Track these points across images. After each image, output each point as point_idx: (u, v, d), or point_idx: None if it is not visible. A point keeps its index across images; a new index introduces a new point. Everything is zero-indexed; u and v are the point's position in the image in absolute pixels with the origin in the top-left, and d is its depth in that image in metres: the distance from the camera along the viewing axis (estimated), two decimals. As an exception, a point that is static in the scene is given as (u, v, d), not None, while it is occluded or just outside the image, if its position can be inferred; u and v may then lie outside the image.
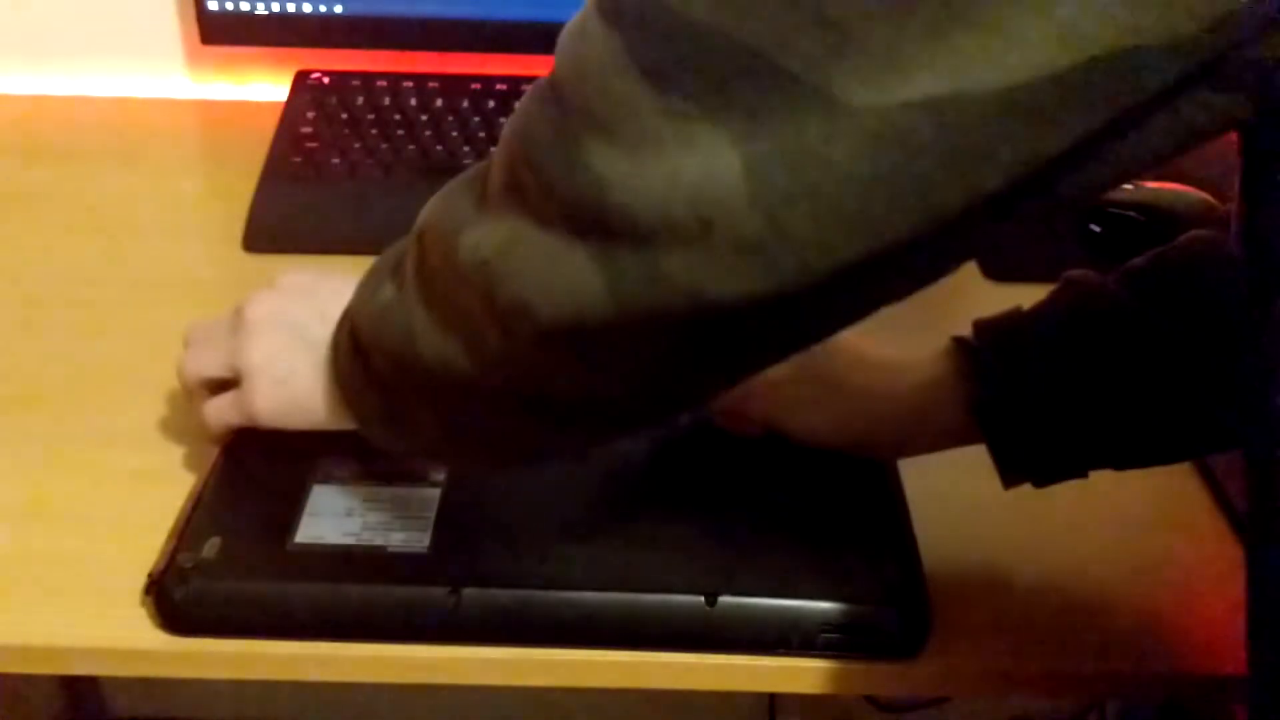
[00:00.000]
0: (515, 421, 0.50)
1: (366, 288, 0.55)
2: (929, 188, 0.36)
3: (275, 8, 1.01)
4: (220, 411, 0.65)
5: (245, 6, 1.00)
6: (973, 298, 0.88)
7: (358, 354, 0.55)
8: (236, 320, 0.63)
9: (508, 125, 0.44)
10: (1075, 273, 0.62)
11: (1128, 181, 0.38)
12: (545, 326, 0.43)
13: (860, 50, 0.35)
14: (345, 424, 0.59)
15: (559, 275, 0.42)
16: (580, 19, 0.40)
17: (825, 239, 0.37)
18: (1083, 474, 0.62)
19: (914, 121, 0.35)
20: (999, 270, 0.90)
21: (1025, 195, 0.38)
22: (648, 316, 0.41)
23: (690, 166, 0.37)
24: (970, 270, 0.91)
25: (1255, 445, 0.43)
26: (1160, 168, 0.39)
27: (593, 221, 0.40)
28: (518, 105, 0.44)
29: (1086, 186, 0.39)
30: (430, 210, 0.50)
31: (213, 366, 0.64)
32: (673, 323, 0.41)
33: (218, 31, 1.02)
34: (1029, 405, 0.60)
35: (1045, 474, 0.62)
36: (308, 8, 1.01)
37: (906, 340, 0.66)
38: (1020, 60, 0.34)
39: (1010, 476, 0.62)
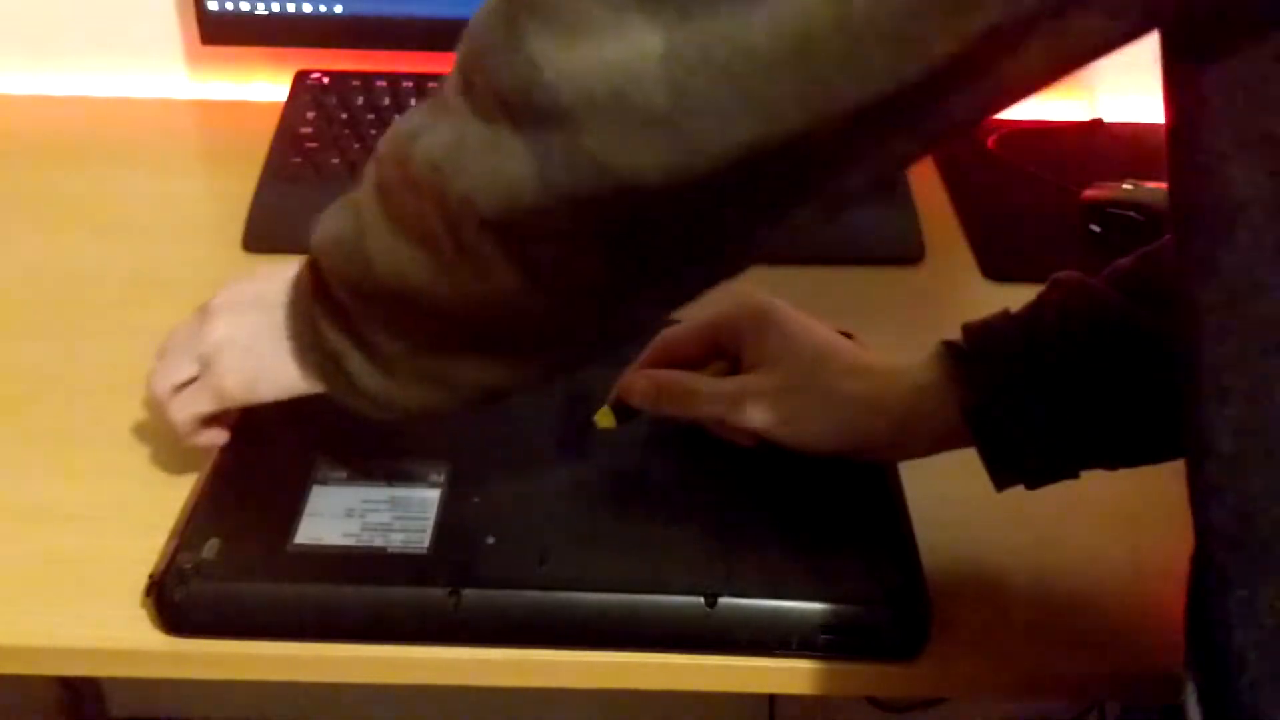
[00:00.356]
0: (460, 341, 0.52)
1: (320, 224, 0.56)
2: (821, 69, 0.38)
3: (275, 8, 1.01)
4: (188, 402, 0.64)
5: (245, 6, 1.01)
6: (973, 298, 0.89)
7: (317, 290, 0.56)
8: (200, 313, 0.64)
9: (462, 37, 0.46)
10: (1063, 274, 0.62)
11: (1017, 103, 0.40)
12: (486, 219, 0.45)
13: None
14: (312, 383, 0.59)
15: (498, 166, 0.44)
16: None
17: (723, 111, 0.39)
18: (1074, 475, 0.62)
19: (815, 7, 0.37)
20: (999, 270, 0.91)
21: (915, 104, 0.39)
22: (572, 202, 0.43)
23: (617, 50, 0.39)
24: (970, 270, 0.91)
25: (1188, 403, 0.43)
26: (1050, 85, 0.40)
27: (526, 106, 0.42)
28: (473, 16, 0.46)
29: (978, 107, 0.40)
30: (388, 135, 0.51)
31: (181, 367, 0.64)
32: (593, 208, 0.43)
33: (218, 31, 1.02)
34: (1018, 408, 0.60)
35: (1036, 476, 0.62)
36: (308, 8, 1.01)
37: (906, 340, 0.66)
38: None
39: (1001, 478, 0.62)
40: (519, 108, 0.42)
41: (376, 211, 0.51)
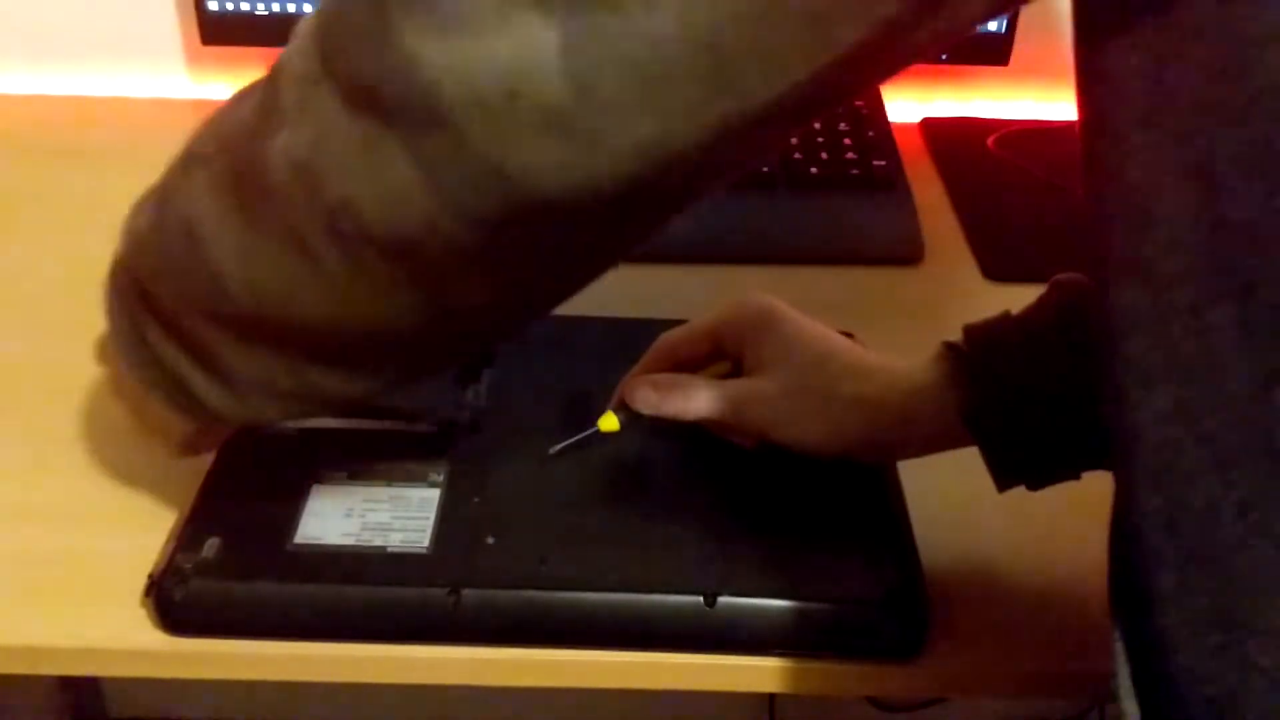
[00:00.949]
0: (326, 357, 0.48)
1: (135, 237, 0.52)
2: (734, 64, 0.37)
3: (275, 8, 1.01)
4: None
5: (245, 6, 1.01)
6: (973, 298, 0.89)
7: (145, 307, 0.52)
8: None
9: (312, 18, 0.42)
10: (1063, 275, 0.62)
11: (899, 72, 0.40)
12: (369, 226, 0.42)
13: None
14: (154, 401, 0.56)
15: (377, 170, 0.40)
16: None
17: (628, 108, 0.37)
18: (1075, 475, 0.62)
19: (728, 1, 0.36)
20: (999, 270, 0.91)
21: (821, 94, 0.38)
22: (463, 209, 0.40)
23: (506, 45, 0.37)
24: (970, 270, 0.91)
25: (1110, 393, 0.43)
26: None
27: (401, 104, 0.39)
28: None
29: (864, 88, 0.41)
30: (215, 132, 0.47)
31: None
32: (485, 214, 0.40)
33: (218, 31, 1.02)
34: (1018, 410, 0.60)
35: (1038, 477, 0.62)
36: (308, 8, 1.01)
37: (906, 340, 0.66)
38: None
39: (1003, 479, 0.62)
40: (395, 107, 0.39)
41: (226, 224, 0.46)
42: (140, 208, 0.53)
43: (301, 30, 0.43)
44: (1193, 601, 0.40)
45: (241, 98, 0.47)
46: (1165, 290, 0.39)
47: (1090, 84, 0.41)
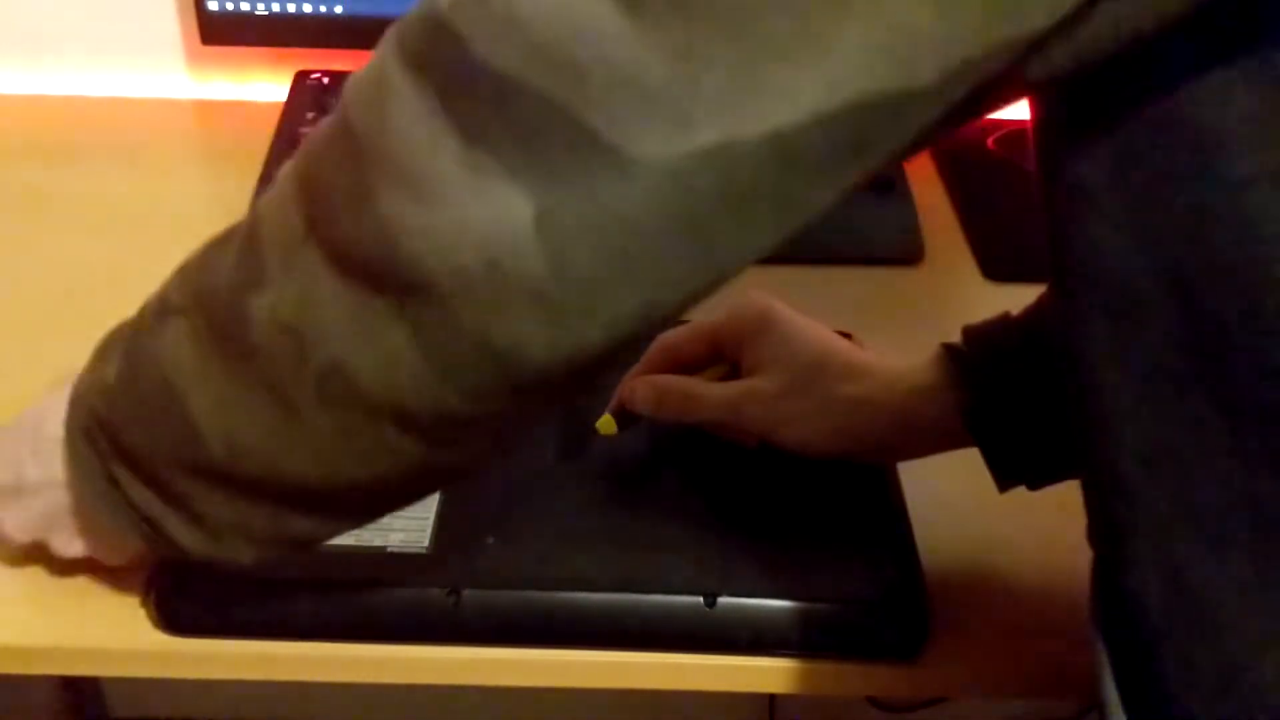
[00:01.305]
0: (306, 507, 0.48)
1: (101, 388, 0.51)
2: (712, 237, 0.37)
3: (275, 8, 1.01)
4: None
5: (245, 6, 1.00)
6: (973, 298, 0.89)
7: (118, 455, 0.50)
8: None
9: (291, 173, 0.42)
10: None
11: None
12: (359, 389, 0.41)
13: (655, 106, 0.35)
14: (126, 538, 0.53)
15: (367, 332, 0.40)
16: (377, 66, 0.39)
17: (612, 281, 0.37)
18: (1075, 475, 0.62)
19: (693, 171, 0.35)
20: (999, 270, 0.91)
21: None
22: (456, 380, 0.40)
23: (482, 216, 0.36)
24: (970, 270, 0.91)
25: (1095, 456, 0.43)
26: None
27: (386, 273, 0.38)
28: (303, 151, 0.41)
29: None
30: (191, 281, 0.47)
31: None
32: (477, 384, 0.40)
33: (218, 31, 1.02)
34: (1018, 410, 0.60)
35: (1038, 477, 0.62)
36: (308, 8, 1.01)
37: (906, 341, 0.66)
38: (784, 106, 0.34)
39: (1004, 480, 0.62)
40: (378, 274, 0.38)
41: (206, 380, 0.45)
42: (104, 355, 0.52)
43: (282, 182, 0.42)
44: (1194, 663, 0.40)
45: (217, 247, 0.46)
46: (1148, 381, 0.39)
47: (1057, 186, 0.41)
